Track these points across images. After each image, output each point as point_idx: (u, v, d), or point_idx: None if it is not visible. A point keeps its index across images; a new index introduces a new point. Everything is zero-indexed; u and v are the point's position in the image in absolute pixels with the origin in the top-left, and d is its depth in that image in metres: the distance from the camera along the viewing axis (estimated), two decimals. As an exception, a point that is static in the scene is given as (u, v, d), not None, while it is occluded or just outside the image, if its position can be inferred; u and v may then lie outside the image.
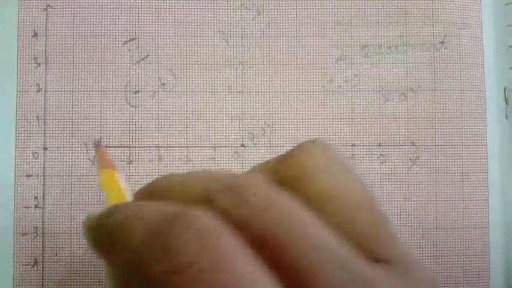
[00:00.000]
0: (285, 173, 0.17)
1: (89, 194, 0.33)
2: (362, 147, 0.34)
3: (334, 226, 0.16)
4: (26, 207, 0.32)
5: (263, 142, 0.33)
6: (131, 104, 0.33)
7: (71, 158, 0.33)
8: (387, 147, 0.34)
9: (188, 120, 0.33)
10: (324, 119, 0.34)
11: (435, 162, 0.34)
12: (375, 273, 0.15)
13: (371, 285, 0.14)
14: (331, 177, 0.17)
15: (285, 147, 0.33)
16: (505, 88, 0.35)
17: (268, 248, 0.14)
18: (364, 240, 0.16)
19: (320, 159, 0.18)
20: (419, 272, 0.16)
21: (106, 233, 0.17)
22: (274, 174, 0.17)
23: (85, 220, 0.18)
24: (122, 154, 0.33)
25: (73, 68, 0.33)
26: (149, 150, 0.33)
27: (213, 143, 0.33)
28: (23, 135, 0.33)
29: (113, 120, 0.33)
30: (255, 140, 0.33)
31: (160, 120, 0.33)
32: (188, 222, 0.14)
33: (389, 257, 0.16)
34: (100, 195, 0.33)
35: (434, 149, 0.34)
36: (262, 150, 0.33)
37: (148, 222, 0.15)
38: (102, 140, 0.33)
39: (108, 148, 0.33)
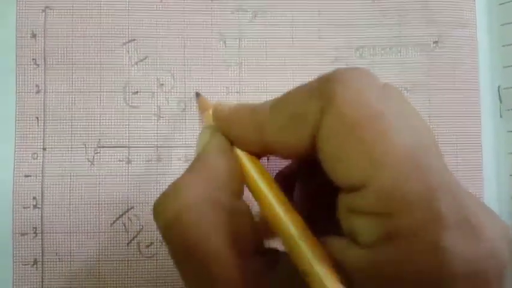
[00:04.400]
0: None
1: (88, 194, 0.33)
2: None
3: None
4: (24, 208, 0.32)
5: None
6: (131, 104, 0.33)
7: (70, 158, 0.33)
8: (383, 145, 0.34)
9: (186, 121, 0.34)
10: (321, 118, 0.34)
11: (431, 160, 0.34)
12: None
13: None
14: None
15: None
16: (498, 87, 0.35)
17: None
18: None
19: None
20: None
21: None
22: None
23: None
24: (121, 154, 0.33)
25: (72, 69, 0.33)
26: (148, 150, 0.33)
27: (211, 142, 0.33)
28: (22, 136, 0.33)
29: (112, 121, 0.33)
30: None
31: (158, 121, 0.33)
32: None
33: None
34: (98, 195, 0.33)
35: (429, 148, 0.34)
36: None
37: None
38: (101, 140, 0.33)
39: (107, 148, 0.33)
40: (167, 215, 0.20)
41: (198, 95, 0.32)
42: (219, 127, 0.24)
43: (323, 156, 0.18)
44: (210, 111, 0.25)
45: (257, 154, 0.23)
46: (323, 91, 0.19)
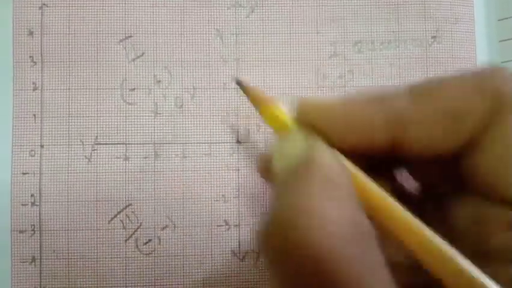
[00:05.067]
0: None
1: (86, 191, 0.33)
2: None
3: None
4: (22, 205, 0.32)
5: (258, 138, 0.34)
6: (128, 101, 0.33)
7: (68, 156, 0.33)
8: (381, 141, 0.34)
9: (184, 117, 0.34)
10: (318, 114, 0.34)
11: (429, 156, 0.34)
12: None
13: None
14: None
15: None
16: (497, 82, 0.35)
17: None
18: None
19: None
20: None
21: None
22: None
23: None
24: (119, 151, 0.33)
25: (69, 66, 0.33)
26: (146, 146, 0.33)
27: (209, 139, 0.33)
28: (19, 133, 0.33)
29: (110, 118, 0.33)
30: (250, 136, 0.34)
31: (156, 117, 0.33)
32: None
33: None
34: (96, 193, 0.33)
35: (427, 144, 0.34)
36: (258, 146, 0.34)
37: None
38: (98, 137, 0.33)
39: (104, 145, 0.33)
40: (310, 251, 0.14)
41: (239, 82, 0.25)
42: (314, 131, 0.19)
43: (481, 162, 0.17)
44: (276, 109, 0.20)
45: (374, 156, 0.19)
46: (494, 89, 0.16)
